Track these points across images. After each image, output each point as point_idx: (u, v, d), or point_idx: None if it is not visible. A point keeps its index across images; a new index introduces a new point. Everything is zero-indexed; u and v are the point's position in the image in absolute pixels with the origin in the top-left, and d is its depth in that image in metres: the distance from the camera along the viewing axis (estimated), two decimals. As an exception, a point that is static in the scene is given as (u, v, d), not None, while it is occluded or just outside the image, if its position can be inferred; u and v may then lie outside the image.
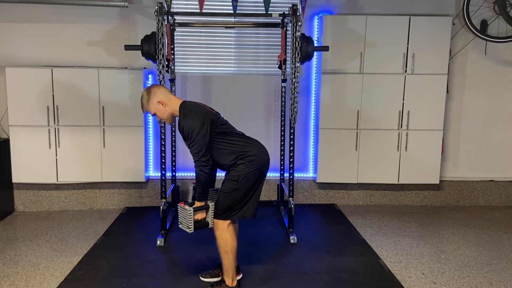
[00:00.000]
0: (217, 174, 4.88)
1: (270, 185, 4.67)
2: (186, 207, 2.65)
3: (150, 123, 4.51)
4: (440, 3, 4.51)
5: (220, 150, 2.66)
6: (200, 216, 2.70)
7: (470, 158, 4.77)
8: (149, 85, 2.84)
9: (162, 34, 3.45)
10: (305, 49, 3.62)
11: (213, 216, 2.71)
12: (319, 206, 4.65)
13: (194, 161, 2.62)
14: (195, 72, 4.54)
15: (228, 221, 2.69)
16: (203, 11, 3.83)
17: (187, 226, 2.67)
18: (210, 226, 2.74)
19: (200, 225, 2.71)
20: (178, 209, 2.71)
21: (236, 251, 2.74)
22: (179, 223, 2.75)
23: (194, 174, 2.68)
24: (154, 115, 2.76)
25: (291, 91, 3.65)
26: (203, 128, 2.58)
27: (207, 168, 2.61)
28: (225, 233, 2.68)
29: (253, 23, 4.15)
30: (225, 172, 2.75)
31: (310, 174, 4.76)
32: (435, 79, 4.37)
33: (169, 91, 2.78)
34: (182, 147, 4.54)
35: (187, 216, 2.65)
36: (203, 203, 2.70)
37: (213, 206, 2.71)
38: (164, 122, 2.80)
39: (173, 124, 4.16)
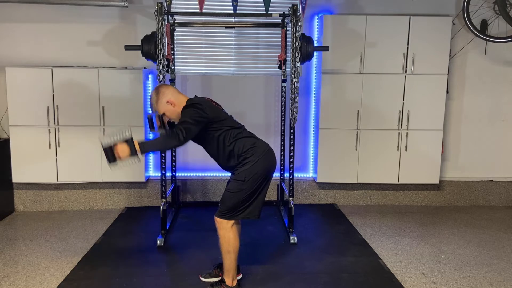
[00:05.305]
0: (221, 174, 4.83)
1: (270, 185, 4.63)
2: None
3: (150, 123, 4.51)
4: (440, 3, 4.51)
5: (226, 147, 2.65)
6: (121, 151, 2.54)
7: (470, 158, 4.77)
8: (157, 85, 2.80)
9: (162, 34, 3.45)
10: (305, 49, 3.62)
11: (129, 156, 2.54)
12: (319, 206, 4.65)
13: (176, 132, 2.52)
14: (195, 72, 4.54)
15: (232, 221, 2.68)
16: (203, 11, 3.83)
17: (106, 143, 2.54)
18: (111, 163, 2.57)
19: (109, 155, 2.55)
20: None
21: (238, 251, 2.73)
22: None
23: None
24: (163, 115, 2.72)
25: (291, 91, 3.65)
26: (201, 112, 2.54)
27: (178, 143, 2.52)
28: (228, 233, 2.68)
29: (253, 23, 4.15)
30: (231, 172, 2.74)
31: (310, 174, 4.76)
32: (435, 79, 4.37)
33: (177, 91, 2.75)
34: (182, 147, 4.53)
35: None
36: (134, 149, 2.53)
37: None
38: (164, 124, 2.75)
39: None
